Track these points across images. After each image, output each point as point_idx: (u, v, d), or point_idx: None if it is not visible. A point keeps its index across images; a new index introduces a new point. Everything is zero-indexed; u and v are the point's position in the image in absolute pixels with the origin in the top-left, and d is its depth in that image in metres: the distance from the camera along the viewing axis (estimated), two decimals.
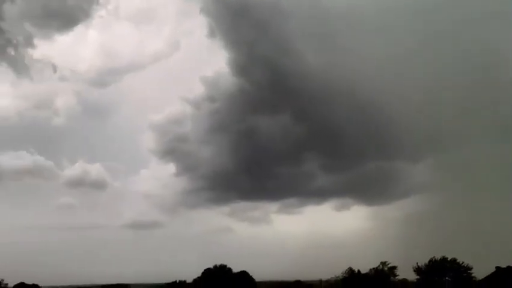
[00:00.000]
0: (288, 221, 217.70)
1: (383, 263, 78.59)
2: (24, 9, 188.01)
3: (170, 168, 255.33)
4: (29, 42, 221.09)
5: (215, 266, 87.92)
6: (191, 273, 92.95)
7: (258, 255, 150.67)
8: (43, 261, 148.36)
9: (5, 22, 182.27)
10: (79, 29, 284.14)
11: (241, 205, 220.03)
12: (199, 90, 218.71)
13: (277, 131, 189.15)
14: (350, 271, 78.28)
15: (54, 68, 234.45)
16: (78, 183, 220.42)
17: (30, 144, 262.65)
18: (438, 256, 73.69)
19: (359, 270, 78.50)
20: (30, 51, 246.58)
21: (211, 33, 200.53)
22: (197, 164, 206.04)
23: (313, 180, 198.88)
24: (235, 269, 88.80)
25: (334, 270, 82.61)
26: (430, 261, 73.25)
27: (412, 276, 77.62)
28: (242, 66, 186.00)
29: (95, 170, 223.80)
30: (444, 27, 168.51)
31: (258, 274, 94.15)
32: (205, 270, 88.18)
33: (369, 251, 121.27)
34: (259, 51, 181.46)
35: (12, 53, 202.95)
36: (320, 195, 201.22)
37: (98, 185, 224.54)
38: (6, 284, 68.80)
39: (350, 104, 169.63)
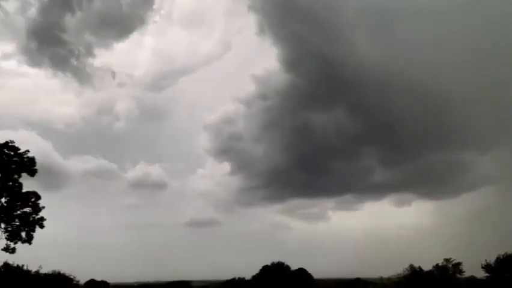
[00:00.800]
0: (346, 217, 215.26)
1: (447, 260, 74.86)
2: (84, 20, 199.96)
3: (225, 167, 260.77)
4: (89, 52, 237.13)
5: (273, 263, 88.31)
6: (249, 270, 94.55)
7: (315, 252, 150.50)
8: (111, 259, 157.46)
9: (67, 34, 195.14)
10: (134, 36, 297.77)
11: (297, 202, 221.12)
12: (250, 88, 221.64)
13: (332, 126, 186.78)
14: (411, 268, 75.24)
15: (113, 75, 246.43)
16: (140, 184, 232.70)
17: (95, 148, 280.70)
18: (509, 251, 68.94)
19: (420, 268, 75.20)
20: (91, 60, 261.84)
21: (261, 31, 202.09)
22: (251, 162, 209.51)
23: (371, 175, 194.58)
24: (293, 266, 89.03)
25: (395, 268, 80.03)
26: (499, 257, 68.64)
27: (480, 274, 73.40)
28: (293, 62, 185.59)
29: (155, 171, 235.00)
30: (506, 13, 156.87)
31: (316, 271, 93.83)
32: (263, 267, 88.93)
33: (432, 247, 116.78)
34: (309, 45, 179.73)
35: (75, 63, 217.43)
36: (379, 190, 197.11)
37: (159, 185, 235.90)
38: (78, 281, 73.55)
39: (408, 94, 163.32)
